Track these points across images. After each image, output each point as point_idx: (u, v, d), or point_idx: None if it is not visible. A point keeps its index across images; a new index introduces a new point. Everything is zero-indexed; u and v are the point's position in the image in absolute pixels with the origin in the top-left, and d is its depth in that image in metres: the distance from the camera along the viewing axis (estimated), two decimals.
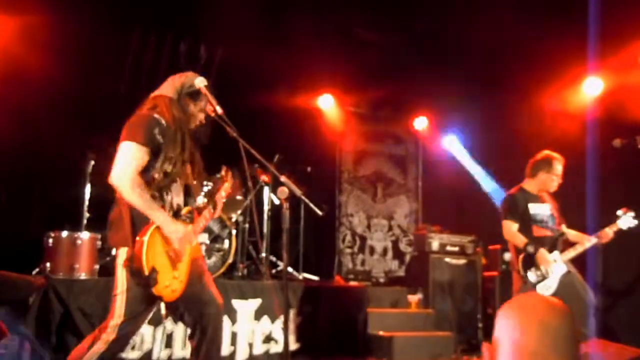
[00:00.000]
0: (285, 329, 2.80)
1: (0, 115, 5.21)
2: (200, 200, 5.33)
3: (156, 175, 2.76)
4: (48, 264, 4.51)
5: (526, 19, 6.09)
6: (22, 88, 5.42)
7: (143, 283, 2.60)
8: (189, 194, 2.97)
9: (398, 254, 8.20)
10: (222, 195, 3.21)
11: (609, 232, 4.36)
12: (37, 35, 5.42)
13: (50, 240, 4.53)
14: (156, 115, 2.76)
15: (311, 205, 2.90)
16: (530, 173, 4.63)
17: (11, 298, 3.05)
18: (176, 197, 2.85)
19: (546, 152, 4.63)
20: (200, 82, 2.98)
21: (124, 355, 4.42)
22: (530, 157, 4.98)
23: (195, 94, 2.92)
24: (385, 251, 8.13)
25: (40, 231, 4.76)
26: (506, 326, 1.89)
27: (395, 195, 8.40)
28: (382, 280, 7.80)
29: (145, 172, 2.72)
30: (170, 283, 2.71)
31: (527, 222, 4.48)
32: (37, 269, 4.71)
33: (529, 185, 4.62)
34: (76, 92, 5.91)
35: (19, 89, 5.39)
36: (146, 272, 2.56)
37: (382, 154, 8.42)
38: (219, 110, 2.92)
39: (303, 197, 2.87)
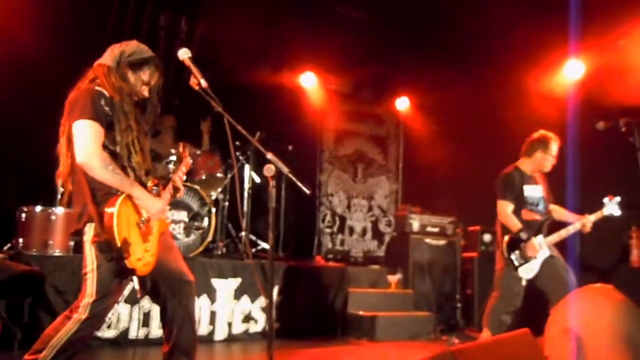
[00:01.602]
0: (270, 309, 2.73)
1: None
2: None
3: (117, 150, 2.66)
4: (21, 240, 4.39)
5: (508, 1, 6.06)
6: None
7: (115, 256, 2.50)
8: (149, 165, 2.84)
9: (377, 234, 8.19)
10: (183, 171, 3.11)
11: (587, 224, 4.35)
12: (12, 3, 5.21)
13: (24, 215, 4.40)
14: (97, 88, 2.65)
15: (298, 183, 2.81)
16: (526, 152, 4.61)
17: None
18: (137, 169, 2.74)
19: (542, 132, 4.59)
20: (183, 53, 2.87)
21: (99, 333, 4.35)
22: (512, 139, 4.96)
23: (135, 64, 2.77)
24: (364, 231, 8.12)
25: (13, 205, 4.63)
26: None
27: (376, 176, 8.37)
28: (360, 260, 7.80)
29: (104, 148, 2.61)
30: (143, 256, 2.62)
31: (518, 204, 4.47)
32: (9, 244, 4.58)
33: (524, 164, 4.60)
34: (52, 64, 5.72)
35: None
36: (118, 244, 2.48)
37: (363, 134, 8.38)
38: (204, 83, 2.80)
39: (290, 175, 2.78)
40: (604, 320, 2.62)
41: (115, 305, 2.77)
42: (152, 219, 2.72)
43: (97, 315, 2.64)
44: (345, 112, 8.22)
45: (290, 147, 6.31)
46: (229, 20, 6.36)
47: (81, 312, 2.58)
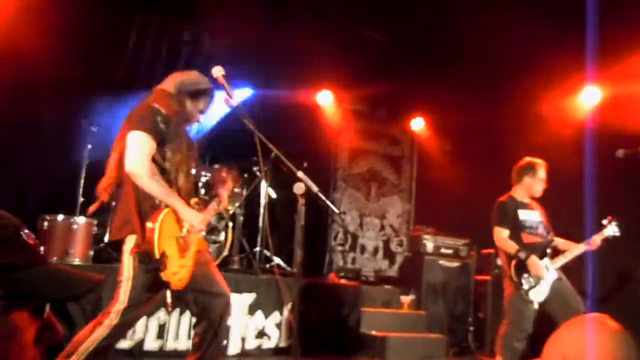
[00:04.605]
0: (297, 326, 2.76)
1: None
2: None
3: (166, 165, 2.79)
4: (42, 248, 4.42)
5: (526, 26, 6.10)
6: (21, 70, 5.31)
7: (153, 267, 2.61)
8: (192, 187, 2.98)
9: (388, 254, 8.19)
10: (225, 195, 3.22)
11: (596, 240, 4.43)
12: (38, 16, 5.32)
13: (45, 224, 4.45)
14: (156, 105, 2.80)
15: (328, 202, 2.88)
16: (515, 179, 4.71)
17: (68, 296, 3.01)
18: (181, 188, 2.87)
19: (528, 158, 4.71)
20: (217, 71, 2.98)
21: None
22: None
23: (194, 94, 2.94)
24: (376, 250, 8.12)
25: (33, 214, 4.67)
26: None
27: (389, 195, 8.39)
28: (371, 279, 7.79)
29: (154, 162, 2.74)
30: (178, 271, 2.72)
31: (516, 229, 4.51)
32: None
33: (517, 192, 4.69)
34: (74, 76, 5.81)
35: (18, 70, 5.28)
36: (157, 256, 2.59)
37: (378, 153, 8.41)
38: (236, 101, 2.91)
39: (320, 194, 2.85)
40: (603, 348, 2.87)
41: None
42: (192, 232, 2.82)
43: (127, 323, 2.73)
44: (360, 130, 8.27)
45: (305, 164, 6.34)
46: (249, 38, 6.45)
47: (113, 317, 2.66)
